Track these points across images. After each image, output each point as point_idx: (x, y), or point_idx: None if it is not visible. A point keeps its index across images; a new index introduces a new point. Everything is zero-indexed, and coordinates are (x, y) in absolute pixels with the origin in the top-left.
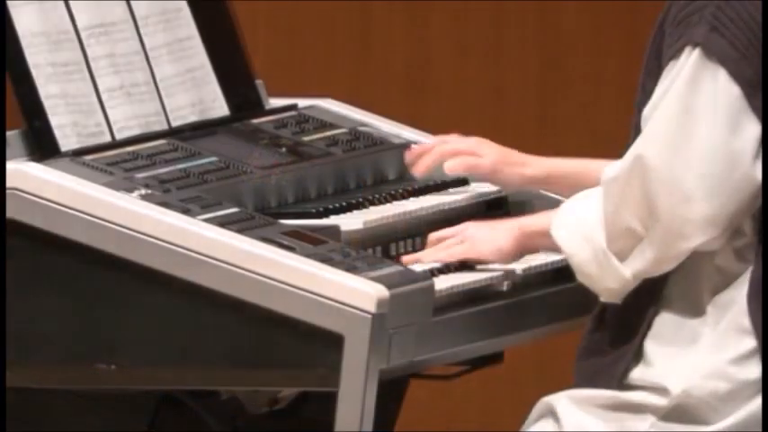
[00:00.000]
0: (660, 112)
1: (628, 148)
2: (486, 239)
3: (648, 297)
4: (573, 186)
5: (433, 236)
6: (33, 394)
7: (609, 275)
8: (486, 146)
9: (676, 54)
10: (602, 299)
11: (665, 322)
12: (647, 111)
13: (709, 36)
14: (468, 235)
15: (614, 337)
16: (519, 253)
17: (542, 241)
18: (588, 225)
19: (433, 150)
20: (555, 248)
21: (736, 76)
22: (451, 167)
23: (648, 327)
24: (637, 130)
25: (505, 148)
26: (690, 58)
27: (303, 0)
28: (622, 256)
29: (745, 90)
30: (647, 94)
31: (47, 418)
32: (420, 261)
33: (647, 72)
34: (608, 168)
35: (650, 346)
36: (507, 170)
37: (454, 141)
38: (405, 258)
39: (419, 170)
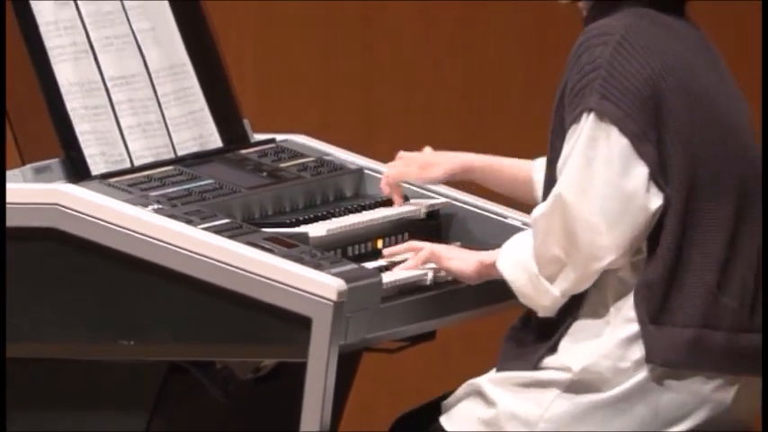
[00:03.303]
0: (569, 164)
1: (546, 196)
2: (456, 264)
3: (569, 307)
4: (489, 176)
5: (412, 243)
6: (69, 365)
7: (542, 296)
8: (409, 160)
9: (576, 119)
10: (540, 314)
11: (579, 326)
12: (559, 164)
13: (600, 102)
14: (438, 253)
15: (538, 336)
16: (477, 280)
17: (494, 272)
18: (523, 257)
19: (385, 184)
20: (502, 277)
21: (624, 131)
22: (384, 188)
23: (566, 330)
24: (550, 181)
25: (427, 154)
26: (587, 121)
27: (283, 59)
28: (552, 279)
29: (633, 141)
30: (557, 151)
31: (80, 385)
32: (403, 265)
33: (554, 135)
34: (535, 210)
35: (563, 343)
36: (429, 175)
37: (390, 167)
38: (386, 251)
39: (396, 203)
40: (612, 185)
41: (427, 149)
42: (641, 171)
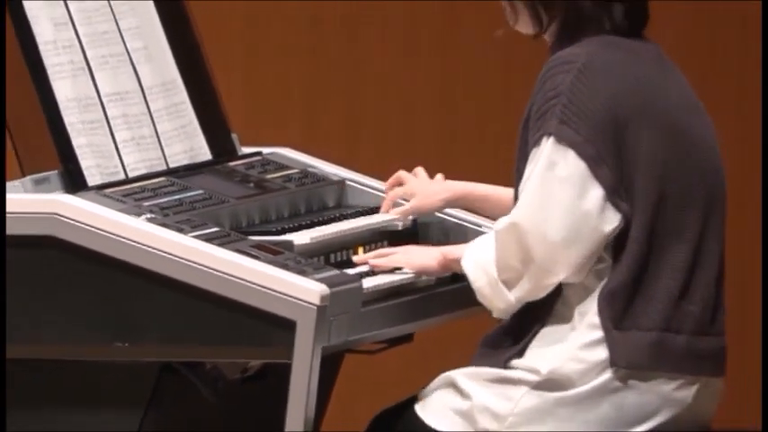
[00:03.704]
0: (529, 184)
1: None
2: (419, 257)
3: (538, 314)
4: (483, 203)
5: (381, 250)
6: (66, 365)
7: (499, 298)
8: (412, 187)
9: (537, 142)
10: (494, 315)
11: (547, 331)
12: (521, 185)
13: (559, 127)
14: (406, 251)
15: (510, 341)
16: (441, 272)
17: (457, 266)
18: (485, 260)
19: (385, 204)
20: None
21: (582, 154)
22: (395, 216)
23: (534, 335)
24: (516, 199)
25: (428, 183)
26: (547, 145)
27: (270, 77)
28: (510, 286)
29: (589, 164)
30: (520, 173)
31: (77, 384)
32: (367, 263)
33: (519, 158)
34: (497, 222)
35: (531, 347)
36: (427, 205)
37: (397, 190)
38: (357, 259)
39: (399, 217)
40: (569, 206)
41: (438, 177)
42: (597, 193)
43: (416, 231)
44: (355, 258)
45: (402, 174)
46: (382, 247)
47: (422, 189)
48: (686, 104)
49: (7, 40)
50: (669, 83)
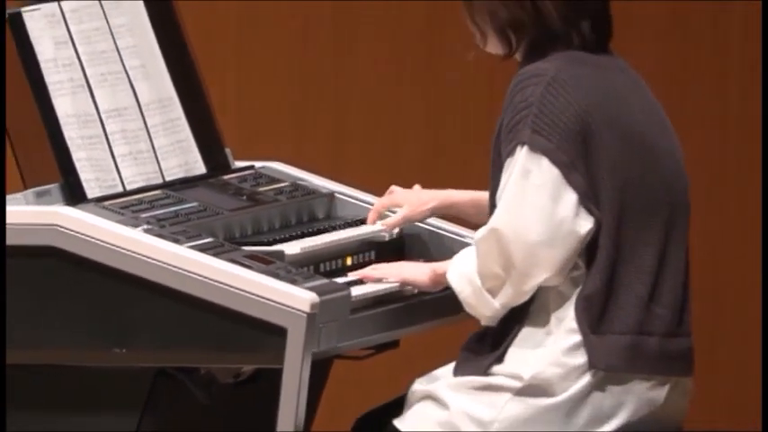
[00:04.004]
0: (506, 192)
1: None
2: (411, 273)
3: (515, 319)
4: (469, 209)
5: (375, 266)
6: (67, 370)
7: (484, 306)
8: (401, 198)
9: (511, 152)
10: (482, 323)
11: (524, 335)
12: (498, 193)
13: (532, 136)
14: (399, 267)
15: (490, 345)
16: (431, 287)
17: (445, 280)
18: (469, 272)
19: (371, 215)
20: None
21: (555, 161)
22: (383, 228)
23: (512, 339)
24: (492, 209)
25: (414, 193)
26: (521, 153)
27: (261, 95)
28: (494, 293)
29: (563, 170)
30: (495, 185)
31: (77, 389)
32: (365, 275)
33: (493, 170)
34: (477, 232)
35: (510, 352)
36: (416, 214)
37: (383, 200)
38: (357, 273)
39: (369, 222)
40: (545, 211)
41: (416, 187)
42: (571, 197)
43: (402, 242)
44: (352, 275)
45: (394, 188)
46: (370, 257)
47: (410, 199)
48: (650, 118)
49: (10, 58)
50: (634, 97)
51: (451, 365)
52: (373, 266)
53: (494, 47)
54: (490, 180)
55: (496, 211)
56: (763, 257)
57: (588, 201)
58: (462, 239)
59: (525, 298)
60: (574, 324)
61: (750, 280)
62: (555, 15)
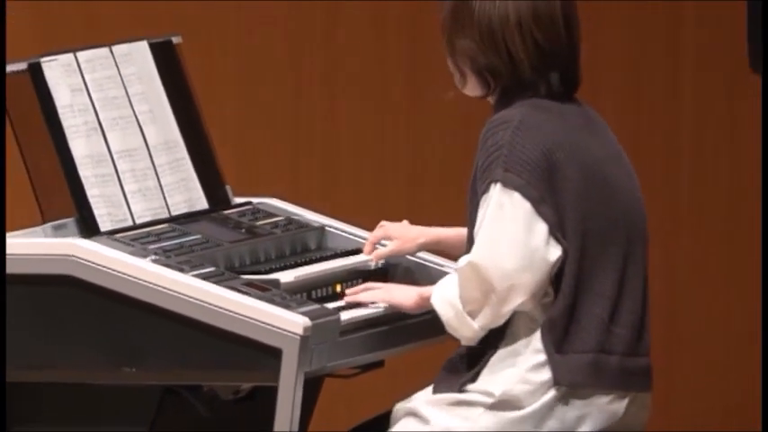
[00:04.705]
0: (483, 226)
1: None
2: (398, 295)
3: (490, 344)
4: (452, 250)
5: (367, 284)
6: (74, 388)
7: (465, 328)
8: (391, 232)
9: (486, 189)
10: (463, 343)
11: (497, 358)
12: (476, 228)
13: (504, 174)
14: (387, 289)
15: (466, 366)
16: (415, 309)
17: (428, 304)
18: (451, 296)
19: (367, 244)
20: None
21: (526, 196)
22: (369, 258)
23: (486, 362)
24: (471, 243)
25: (404, 228)
26: (495, 190)
27: (258, 137)
28: (473, 316)
29: (533, 204)
30: (473, 221)
31: (90, 405)
32: (355, 298)
33: (470, 208)
34: (459, 260)
35: (484, 373)
36: (406, 248)
37: (377, 233)
38: (348, 292)
39: (375, 259)
40: (519, 240)
41: (405, 222)
42: (542, 228)
43: (387, 270)
44: (348, 291)
45: (384, 223)
46: (357, 284)
47: (401, 234)
48: (608, 156)
49: (30, 103)
50: (593, 138)
51: (429, 389)
52: (365, 285)
53: (472, 88)
54: (468, 217)
55: (476, 244)
56: (763, 258)
57: (557, 231)
58: (442, 269)
59: (503, 320)
60: (539, 344)
61: (750, 282)
62: (527, 64)
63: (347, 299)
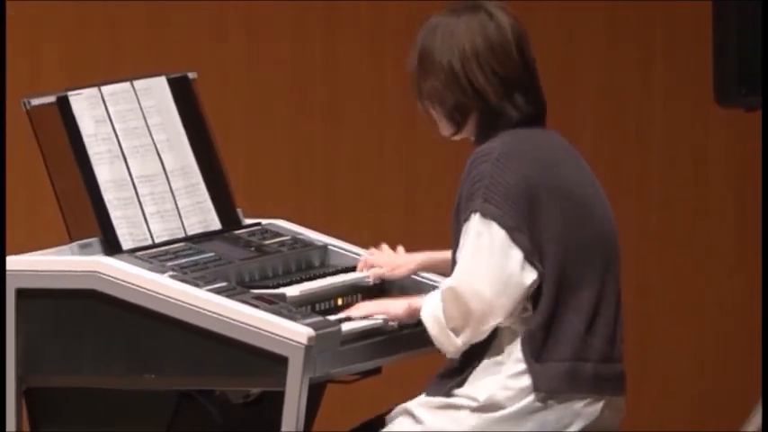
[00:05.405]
0: (463, 252)
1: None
2: (391, 307)
3: (476, 355)
4: (442, 271)
5: (361, 303)
6: (104, 393)
7: (449, 343)
8: (384, 259)
9: (467, 218)
10: (447, 356)
11: (482, 367)
12: (457, 255)
13: (483, 205)
14: (380, 303)
15: (455, 374)
16: (408, 319)
17: (418, 314)
18: (437, 313)
19: (361, 264)
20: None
21: (502, 225)
22: (368, 274)
23: (473, 370)
24: (455, 264)
25: (391, 257)
26: (474, 219)
27: (267, 163)
28: (456, 332)
29: (509, 232)
30: (457, 243)
31: (113, 408)
32: (350, 314)
33: (454, 234)
34: (442, 283)
35: (470, 379)
36: (396, 275)
37: (371, 258)
38: (346, 312)
39: (371, 277)
40: (496, 266)
41: (400, 249)
42: (517, 255)
43: (384, 286)
44: (347, 312)
45: (373, 251)
46: (356, 298)
47: (388, 262)
48: (583, 182)
49: (58, 133)
50: (568, 166)
51: (422, 396)
52: (357, 305)
53: (443, 128)
54: (452, 241)
55: (456, 270)
56: (763, 259)
57: (532, 257)
58: (436, 284)
59: (483, 336)
60: (520, 354)
61: (750, 282)
62: (490, 92)
63: (346, 314)
